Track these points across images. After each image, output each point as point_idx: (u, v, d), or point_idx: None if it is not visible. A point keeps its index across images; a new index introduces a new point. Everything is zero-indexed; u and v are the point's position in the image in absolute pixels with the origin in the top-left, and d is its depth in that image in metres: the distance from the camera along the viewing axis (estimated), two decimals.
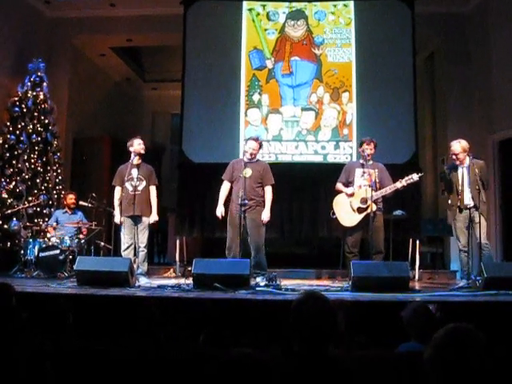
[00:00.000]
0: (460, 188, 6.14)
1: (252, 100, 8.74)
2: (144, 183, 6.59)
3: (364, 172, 6.42)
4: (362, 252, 6.53)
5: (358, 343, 3.29)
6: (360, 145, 6.66)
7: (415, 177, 6.34)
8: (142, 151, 6.66)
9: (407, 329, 3.11)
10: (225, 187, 6.58)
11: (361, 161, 6.59)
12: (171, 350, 2.68)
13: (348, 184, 6.59)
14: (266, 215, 6.37)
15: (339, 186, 6.65)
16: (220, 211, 6.47)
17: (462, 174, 6.13)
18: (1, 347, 2.22)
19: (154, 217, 6.64)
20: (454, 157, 6.21)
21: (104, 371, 2.46)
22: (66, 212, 7.97)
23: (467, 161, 6.16)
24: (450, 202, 6.36)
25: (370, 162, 6.49)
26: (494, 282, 5.24)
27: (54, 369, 2.19)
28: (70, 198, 7.99)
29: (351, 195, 6.48)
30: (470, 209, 6.04)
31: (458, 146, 6.19)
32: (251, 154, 6.44)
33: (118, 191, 6.66)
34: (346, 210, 6.49)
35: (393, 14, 8.80)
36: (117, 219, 6.58)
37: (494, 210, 8.45)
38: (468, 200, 6.06)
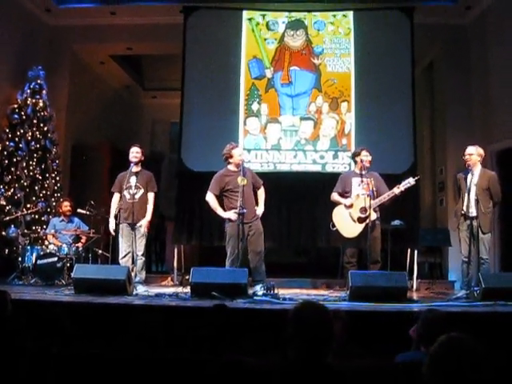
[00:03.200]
0: (466, 194, 6.16)
1: (251, 109, 8.75)
2: (142, 191, 6.58)
3: (362, 181, 6.43)
4: (359, 262, 6.53)
5: (355, 353, 3.27)
6: (357, 154, 6.62)
7: (412, 180, 6.36)
8: (134, 159, 6.62)
9: (417, 332, 3.05)
10: (212, 198, 6.41)
11: (357, 170, 6.60)
12: (169, 355, 2.67)
13: (344, 194, 6.59)
14: (261, 210, 6.41)
15: (335, 196, 6.63)
16: (232, 214, 6.21)
17: (470, 181, 6.14)
18: None
19: (144, 221, 6.54)
20: (465, 157, 6.23)
21: (99, 375, 2.46)
22: (63, 220, 7.96)
23: (478, 169, 6.19)
24: (456, 207, 6.40)
25: (366, 171, 6.51)
26: (492, 293, 5.24)
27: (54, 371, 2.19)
28: (65, 206, 7.96)
29: (350, 206, 6.47)
30: (471, 218, 6.05)
31: (474, 148, 6.25)
32: (242, 161, 6.44)
33: (116, 198, 6.66)
34: (346, 221, 6.48)
35: (392, 24, 8.83)
36: (111, 227, 6.56)
37: (493, 220, 8.44)
38: (470, 208, 6.08)
